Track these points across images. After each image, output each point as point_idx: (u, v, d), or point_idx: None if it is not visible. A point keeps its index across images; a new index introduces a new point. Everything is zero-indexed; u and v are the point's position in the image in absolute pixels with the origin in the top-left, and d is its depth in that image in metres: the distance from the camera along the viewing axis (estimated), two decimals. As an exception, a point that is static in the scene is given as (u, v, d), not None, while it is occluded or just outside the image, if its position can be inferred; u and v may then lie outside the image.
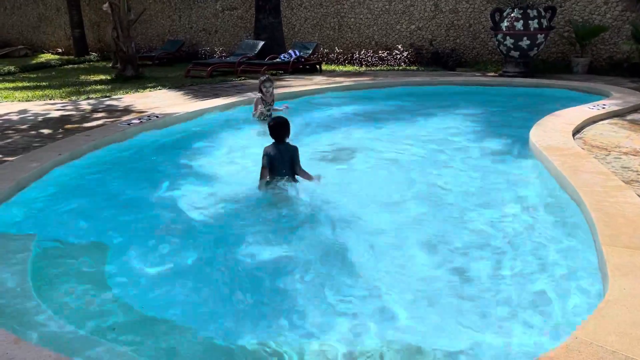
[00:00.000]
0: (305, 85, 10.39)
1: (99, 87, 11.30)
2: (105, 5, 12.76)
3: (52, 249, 3.82)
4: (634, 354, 2.16)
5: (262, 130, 6.39)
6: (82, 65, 16.69)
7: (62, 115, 8.04)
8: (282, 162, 4.60)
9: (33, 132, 6.89)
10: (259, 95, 7.34)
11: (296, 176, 4.65)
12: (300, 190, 4.58)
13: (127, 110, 8.23)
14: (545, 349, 2.50)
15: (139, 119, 7.16)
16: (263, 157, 4.64)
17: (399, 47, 14.08)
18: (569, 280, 3.24)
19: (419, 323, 2.90)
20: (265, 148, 4.69)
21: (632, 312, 2.46)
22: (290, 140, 4.81)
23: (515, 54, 10.69)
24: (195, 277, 3.48)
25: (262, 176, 4.65)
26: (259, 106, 7.24)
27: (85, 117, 7.88)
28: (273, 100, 7.44)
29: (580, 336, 2.29)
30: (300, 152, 4.72)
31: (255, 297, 3.25)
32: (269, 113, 7.22)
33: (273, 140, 4.70)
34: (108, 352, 2.53)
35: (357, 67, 14.01)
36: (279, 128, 4.66)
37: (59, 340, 2.59)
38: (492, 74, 11.53)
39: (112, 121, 7.33)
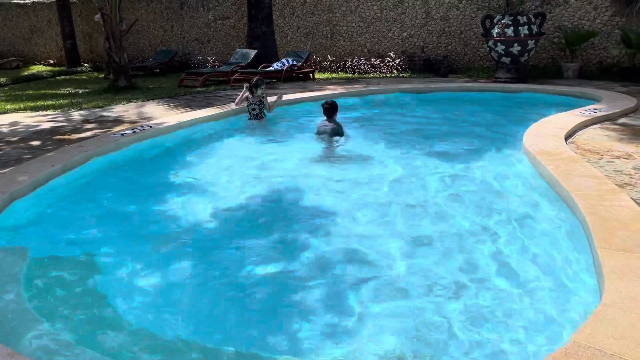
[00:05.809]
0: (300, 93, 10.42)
1: (91, 97, 11.26)
2: (97, 16, 12.78)
3: (46, 262, 3.79)
4: (632, 357, 2.17)
5: (251, 127, 8.00)
6: (74, 77, 16.62)
7: (54, 127, 8.00)
8: (329, 131, 6.70)
9: (25, 144, 6.85)
10: (247, 93, 8.23)
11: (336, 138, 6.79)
12: (339, 144, 6.72)
13: (120, 121, 8.21)
14: (543, 353, 2.51)
15: (133, 129, 7.14)
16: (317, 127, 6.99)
17: (391, 54, 14.15)
18: (565, 284, 3.25)
19: (415, 323, 2.90)
20: (318, 123, 6.96)
21: (629, 315, 2.47)
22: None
23: (507, 60, 10.77)
24: (193, 290, 3.47)
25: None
26: (244, 102, 8.32)
27: (78, 128, 7.85)
28: (261, 102, 8.15)
29: (577, 340, 2.30)
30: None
31: (255, 309, 3.24)
32: (255, 112, 8.14)
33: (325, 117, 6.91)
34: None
35: (350, 75, 14.07)
36: (329, 108, 6.82)
37: (54, 353, 2.57)
38: (484, 80, 11.60)
39: (105, 132, 7.31)
